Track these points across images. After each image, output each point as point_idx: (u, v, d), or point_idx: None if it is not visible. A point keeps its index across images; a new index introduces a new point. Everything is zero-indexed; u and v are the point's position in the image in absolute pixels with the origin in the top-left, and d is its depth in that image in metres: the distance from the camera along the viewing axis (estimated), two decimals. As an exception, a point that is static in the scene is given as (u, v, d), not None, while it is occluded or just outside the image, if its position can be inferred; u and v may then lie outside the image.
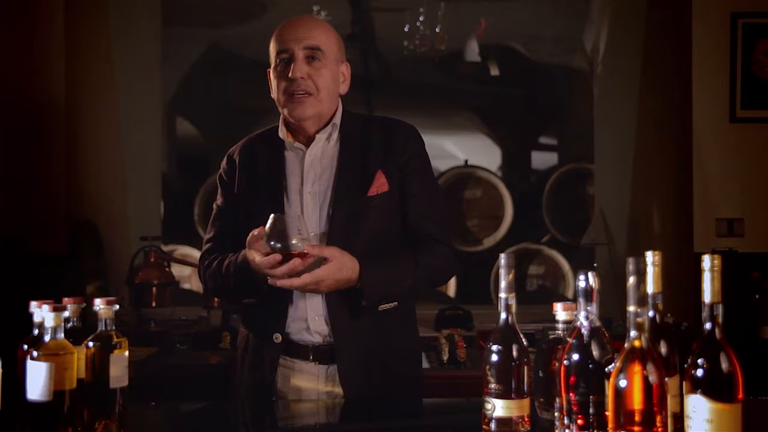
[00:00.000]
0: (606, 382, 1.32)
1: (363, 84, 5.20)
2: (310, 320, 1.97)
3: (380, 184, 2.00)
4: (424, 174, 2.08)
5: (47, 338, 1.48)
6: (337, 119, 2.05)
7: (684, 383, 1.31)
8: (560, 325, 1.57)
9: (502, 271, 1.47)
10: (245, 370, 2.05)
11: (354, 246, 1.92)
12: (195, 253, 4.74)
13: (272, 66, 2.04)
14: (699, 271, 1.31)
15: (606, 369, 1.34)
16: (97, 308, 1.54)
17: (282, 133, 2.05)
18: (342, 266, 1.86)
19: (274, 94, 2.05)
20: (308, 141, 2.04)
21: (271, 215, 1.80)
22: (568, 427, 1.40)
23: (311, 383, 1.99)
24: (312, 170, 2.02)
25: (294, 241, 1.77)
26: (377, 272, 1.92)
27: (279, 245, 1.78)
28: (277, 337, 1.98)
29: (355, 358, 1.97)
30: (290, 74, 1.97)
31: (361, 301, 1.91)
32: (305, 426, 1.88)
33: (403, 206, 2.02)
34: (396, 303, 1.99)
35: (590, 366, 1.37)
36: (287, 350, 2.00)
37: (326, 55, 2.01)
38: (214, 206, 2.15)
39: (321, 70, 2.00)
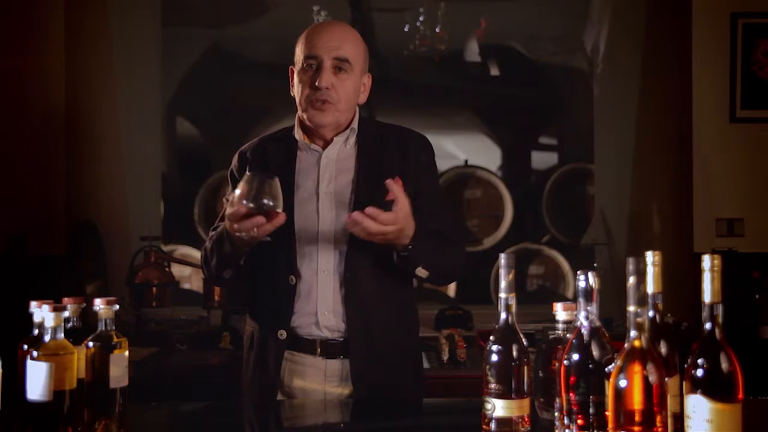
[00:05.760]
0: (606, 382, 1.32)
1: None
2: (320, 315, 2.00)
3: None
4: (435, 184, 2.18)
5: (47, 338, 1.48)
6: (355, 124, 2.09)
7: (684, 383, 1.31)
8: (560, 325, 1.57)
9: (502, 271, 1.47)
10: (250, 367, 2.07)
11: (373, 247, 1.96)
12: (195, 253, 4.74)
13: (297, 67, 2.06)
14: (699, 271, 1.31)
15: (606, 369, 1.34)
16: (97, 308, 1.54)
17: (298, 134, 2.08)
18: (409, 223, 1.89)
19: (294, 94, 2.08)
20: (325, 144, 2.08)
21: (246, 174, 1.83)
22: (568, 427, 1.40)
23: (317, 377, 2.01)
24: (328, 170, 2.06)
25: (265, 201, 1.78)
26: (427, 241, 1.95)
27: (252, 204, 1.78)
28: (282, 334, 2.01)
29: (366, 355, 2.00)
30: (317, 83, 1.99)
31: (405, 260, 1.94)
32: (313, 426, 1.89)
33: (416, 209, 2.02)
34: (428, 273, 2.00)
35: (590, 366, 1.37)
36: (293, 345, 2.02)
37: (353, 67, 2.03)
38: (224, 200, 2.17)
39: (346, 82, 2.02)
